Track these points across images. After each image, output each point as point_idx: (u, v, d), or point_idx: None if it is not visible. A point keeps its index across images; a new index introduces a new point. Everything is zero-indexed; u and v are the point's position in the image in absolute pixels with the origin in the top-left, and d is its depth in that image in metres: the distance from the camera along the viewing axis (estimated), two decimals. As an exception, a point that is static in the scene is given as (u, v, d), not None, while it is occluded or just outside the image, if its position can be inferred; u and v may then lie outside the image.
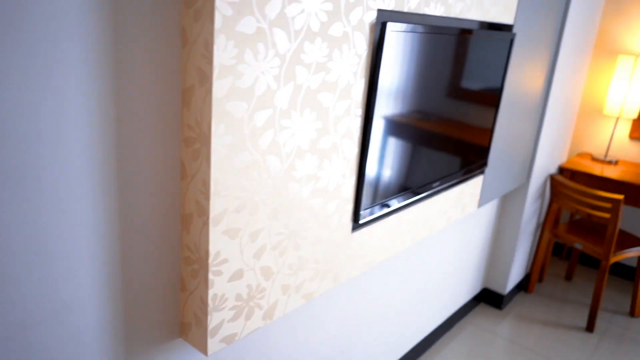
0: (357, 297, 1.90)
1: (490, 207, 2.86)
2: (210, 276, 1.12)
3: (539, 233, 3.30)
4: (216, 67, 0.97)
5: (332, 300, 1.76)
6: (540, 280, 3.41)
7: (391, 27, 1.35)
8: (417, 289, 2.35)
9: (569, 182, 2.90)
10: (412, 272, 2.25)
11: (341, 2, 1.20)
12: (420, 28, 1.46)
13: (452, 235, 2.52)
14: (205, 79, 0.99)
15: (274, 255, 1.27)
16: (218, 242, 1.11)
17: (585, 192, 2.78)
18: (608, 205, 2.72)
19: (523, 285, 3.31)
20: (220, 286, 1.15)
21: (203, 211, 1.08)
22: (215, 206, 1.07)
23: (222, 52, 0.98)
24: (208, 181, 1.05)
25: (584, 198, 2.81)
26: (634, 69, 3.08)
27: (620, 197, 2.66)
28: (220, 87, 0.99)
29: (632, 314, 3.08)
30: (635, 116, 3.14)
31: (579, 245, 2.95)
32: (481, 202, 2.35)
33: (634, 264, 3.54)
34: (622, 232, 3.08)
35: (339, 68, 1.26)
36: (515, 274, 3.15)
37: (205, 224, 1.08)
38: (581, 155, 3.44)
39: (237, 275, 1.18)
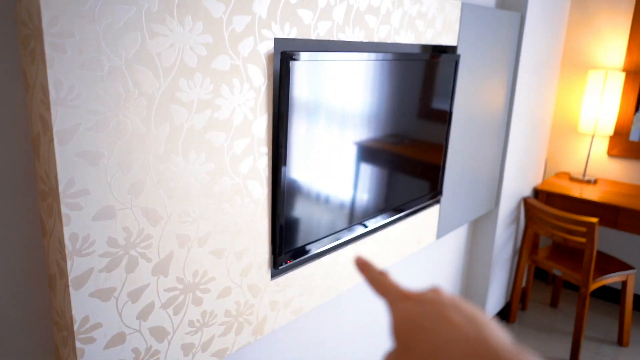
0: (298, 342, 1.75)
1: (459, 234, 2.72)
2: (79, 344, 0.99)
3: (517, 259, 3.15)
4: (55, 115, 0.87)
5: (266, 349, 1.61)
6: (523, 308, 3.23)
7: (294, 56, 1.25)
8: (378, 327, 2.19)
9: (542, 205, 2.76)
10: (369, 309, 2.10)
11: (224, 34, 1.10)
12: (330, 56, 1.36)
13: (416, 266, 2.38)
14: (47, 126, 0.89)
15: (167, 314, 1.14)
16: (85, 306, 0.98)
17: (559, 216, 2.64)
18: (583, 229, 2.57)
19: (504, 315, 3.14)
20: (94, 354, 1.02)
21: (63, 273, 0.96)
22: (75, 267, 0.95)
23: (63, 96, 0.87)
24: (63, 240, 0.93)
25: (558, 222, 2.67)
26: (604, 84, 2.97)
27: (594, 220, 2.51)
28: (62, 135, 0.88)
29: (620, 342, 2.89)
30: (611, 133, 3.01)
31: (557, 271, 2.79)
32: (440, 233, 2.21)
33: (620, 286, 3.36)
34: (603, 255, 2.91)
35: (230, 104, 1.16)
36: (494, 303, 2.98)
37: (67, 286, 0.96)
38: (559, 175, 3.31)
39: (118, 340, 1.05)
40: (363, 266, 0.48)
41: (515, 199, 2.88)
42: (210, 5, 1.06)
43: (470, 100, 2.18)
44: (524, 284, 3.33)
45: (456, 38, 1.95)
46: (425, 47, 1.94)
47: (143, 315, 1.09)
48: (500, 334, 0.37)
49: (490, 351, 0.34)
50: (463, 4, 1.93)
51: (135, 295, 1.07)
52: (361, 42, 1.57)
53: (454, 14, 1.89)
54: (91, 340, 1.01)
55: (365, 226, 1.69)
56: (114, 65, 0.92)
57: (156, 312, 1.12)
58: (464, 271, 2.86)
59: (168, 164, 1.06)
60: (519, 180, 2.86)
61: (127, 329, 1.07)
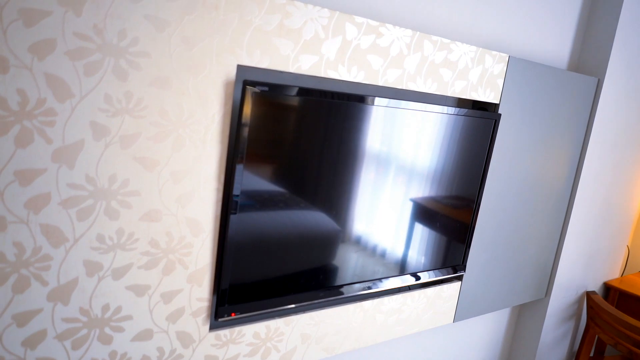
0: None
1: (497, 320, 2.34)
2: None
3: (573, 364, 2.65)
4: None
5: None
6: None
7: (256, 86, 1.12)
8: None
9: (607, 305, 2.30)
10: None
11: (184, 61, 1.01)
12: (303, 92, 1.21)
13: (434, 348, 2.07)
14: None
15: (64, 347, 1.03)
16: (-44, 321, 0.90)
17: (628, 324, 2.17)
18: (654, 343, 2.08)
19: None
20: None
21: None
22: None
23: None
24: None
25: (626, 330, 2.19)
26: None
27: (669, 335, 2.03)
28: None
29: None
30: None
31: (620, 389, 2.29)
32: (459, 316, 1.90)
33: None
34: (685, 382, 2.34)
35: (173, 130, 1.05)
36: (536, 412, 2.51)
37: (-60, 295, 0.89)
38: (643, 273, 2.78)
39: (-5, 364, 0.96)
40: None
41: (575, 291, 2.44)
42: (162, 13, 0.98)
43: (517, 167, 1.89)
44: (581, 395, 2.79)
45: (498, 95, 1.71)
46: (450, 100, 1.72)
47: (30, 343, 0.99)
48: None
49: None
50: (510, 58, 1.69)
51: (23, 320, 0.97)
52: (357, 83, 1.40)
53: (497, 68, 1.66)
54: (-39, 359, 0.92)
55: (340, 290, 1.47)
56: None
57: (54, 344, 1.01)
58: (501, 365, 2.45)
59: (78, 185, 0.97)
60: (581, 270, 2.43)
61: (9, 355, 0.97)
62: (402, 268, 1.60)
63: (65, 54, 0.90)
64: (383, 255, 1.54)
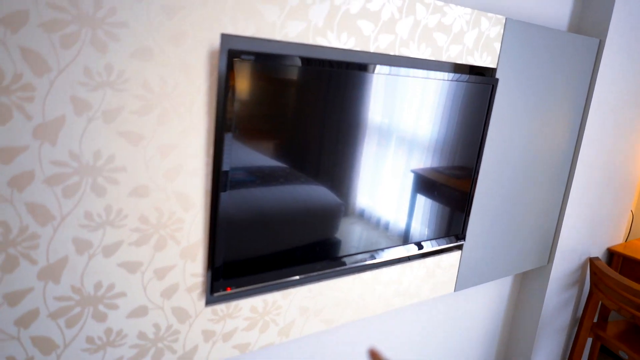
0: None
1: (501, 287, 2.34)
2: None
3: (576, 330, 2.65)
4: None
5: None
6: (581, 389, 2.71)
7: (242, 56, 1.09)
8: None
9: (610, 271, 2.28)
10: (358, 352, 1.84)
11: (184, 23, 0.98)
12: (293, 60, 1.18)
13: (438, 317, 2.07)
14: None
15: (57, 325, 1.02)
16: (-54, 302, 0.90)
17: (630, 288, 2.16)
18: (657, 307, 2.07)
19: (554, 393, 2.65)
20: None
21: None
22: None
23: None
24: None
25: (629, 295, 2.18)
26: None
27: (672, 299, 2.02)
28: None
29: None
30: None
31: (624, 354, 2.29)
32: (460, 285, 1.89)
33: None
34: (689, 344, 2.34)
35: (158, 102, 1.02)
36: (539, 378, 2.53)
37: None
38: (647, 237, 2.75)
39: (-11, 344, 0.95)
40: (373, 355, 0.52)
41: (578, 257, 2.43)
42: (130, -12, 0.94)
43: (516, 134, 1.85)
44: (585, 360, 2.81)
45: (495, 59, 1.66)
46: (445, 65, 1.68)
47: (24, 322, 0.98)
48: None
49: None
50: (507, 20, 1.64)
51: (13, 300, 0.96)
52: (348, 50, 1.37)
53: (494, 31, 1.61)
54: (-46, 339, 0.92)
55: (342, 261, 1.46)
56: (-8, 41, 0.84)
57: (45, 322, 1.01)
58: (502, 332, 2.45)
59: (62, 156, 0.95)
60: (584, 236, 2.41)
61: (1, 334, 0.97)
62: (403, 238, 1.59)
63: (39, 26, 0.87)
64: (384, 226, 1.52)
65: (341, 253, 1.44)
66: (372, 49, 1.33)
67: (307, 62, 1.20)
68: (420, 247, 1.65)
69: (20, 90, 0.88)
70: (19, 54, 0.87)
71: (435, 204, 1.65)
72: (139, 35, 0.97)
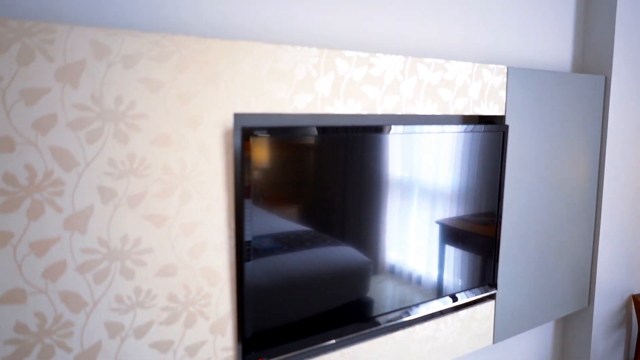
0: None
1: (541, 336, 2.24)
2: None
3: (632, 374, 2.50)
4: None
5: None
6: None
7: (255, 132, 1.15)
8: None
9: (656, 307, 2.18)
10: None
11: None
12: (305, 130, 1.23)
13: (475, 376, 1.98)
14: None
15: (93, 412, 1.03)
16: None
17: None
18: None
19: None
20: None
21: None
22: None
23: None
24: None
25: (680, 330, 2.07)
26: None
27: None
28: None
29: None
30: None
31: (686, 396, 2.14)
32: (498, 336, 1.83)
33: None
34: None
35: (178, 183, 1.08)
36: None
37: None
38: (691, 268, 2.63)
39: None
40: None
41: (620, 295, 2.33)
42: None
43: (535, 176, 1.85)
44: (647, 407, 2.62)
45: (503, 107, 1.69)
46: (454, 118, 1.71)
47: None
48: None
49: None
50: (509, 69, 1.69)
51: (50, 389, 0.98)
52: (356, 115, 1.42)
53: (497, 80, 1.66)
54: None
55: (376, 321, 1.44)
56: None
57: (78, 410, 1.02)
58: (553, 383, 2.33)
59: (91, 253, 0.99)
60: (623, 272, 2.32)
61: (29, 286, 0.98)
62: (435, 292, 1.56)
63: (67, 126, 0.95)
64: (415, 281, 1.51)
65: (374, 313, 1.43)
66: (379, 111, 1.38)
67: (320, 130, 1.25)
68: (454, 299, 1.62)
69: (50, 186, 0.94)
70: (49, 154, 0.94)
71: (464, 253, 1.64)
72: (157, 124, 1.04)
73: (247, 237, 1.17)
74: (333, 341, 1.36)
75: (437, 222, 1.54)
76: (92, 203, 0.99)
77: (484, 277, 1.72)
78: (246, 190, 1.16)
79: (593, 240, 2.16)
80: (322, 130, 1.26)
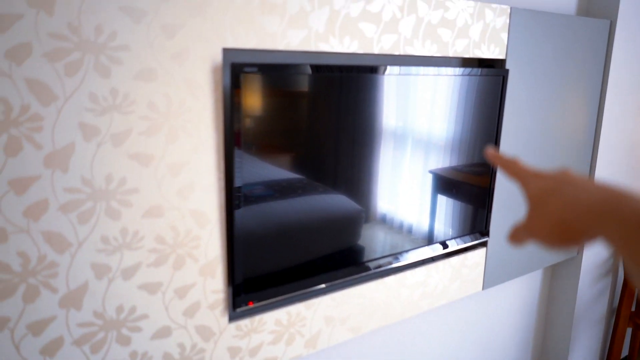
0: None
1: (531, 283, 2.28)
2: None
3: (614, 321, 2.57)
4: None
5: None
6: (625, 382, 2.62)
7: (246, 69, 1.09)
8: (405, 388, 1.88)
9: (643, 256, 2.20)
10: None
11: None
12: (297, 68, 1.17)
13: (466, 318, 2.02)
14: None
15: (83, 352, 1.02)
16: (-29, 336, 0.90)
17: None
18: (697, 291, 1.99)
19: (597, 388, 2.56)
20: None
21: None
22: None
23: None
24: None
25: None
26: None
27: None
28: None
29: None
30: None
31: (666, 342, 2.20)
32: (488, 283, 1.85)
33: None
34: None
35: (165, 121, 1.03)
36: (580, 373, 2.45)
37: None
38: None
39: (17, 375, 0.96)
40: (494, 157, 0.54)
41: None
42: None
43: (532, 122, 1.81)
44: (627, 351, 2.71)
45: (504, 50, 1.63)
46: (453, 61, 1.65)
47: (48, 351, 0.99)
48: (633, 193, 0.40)
49: (627, 199, 0.38)
50: (512, 10, 1.61)
51: (37, 329, 0.97)
52: (351, 54, 1.35)
53: (500, 21, 1.58)
54: (-18, 373, 0.93)
55: (365, 266, 1.44)
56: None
57: (69, 348, 1.01)
58: (537, 329, 2.39)
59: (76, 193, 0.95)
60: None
61: (29, 364, 0.97)
62: (426, 239, 1.56)
63: (43, 56, 0.88)
64: (406, 229, 1.50)
65: (364, 259, 1.42)
66: (376, 50, 1.32)
67: (314, 69, 1.19)
68: (445, 246, 1.62)
69: (28, 122, 0.89)
70: (25, 86, 0.88)
71: (457, 203, 1.62)
72: (141, 57, 0.98)
73: (237, 182, 1.14)
74: (323, 285, 1.35)
75: (430, 172, 1.51)
76: (73, 140, 0.94)
77: (477, 225, 1.71)
78: (235, 130, 1.11)
79: (586, 190, 2.15)
80: (317, 69, 1.20)
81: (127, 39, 0.96)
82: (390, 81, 1.34)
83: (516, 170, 0.51)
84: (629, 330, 2.69)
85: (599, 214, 0.40)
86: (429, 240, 1.57)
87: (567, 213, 0.43)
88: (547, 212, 0.45)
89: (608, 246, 0.39)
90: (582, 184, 0.44)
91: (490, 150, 0.55)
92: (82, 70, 0.92)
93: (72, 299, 0.99)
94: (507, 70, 1.62)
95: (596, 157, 2.10)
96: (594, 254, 2.27)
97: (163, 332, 1.12)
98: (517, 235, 0.49)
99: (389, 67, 1.33)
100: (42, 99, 0.90)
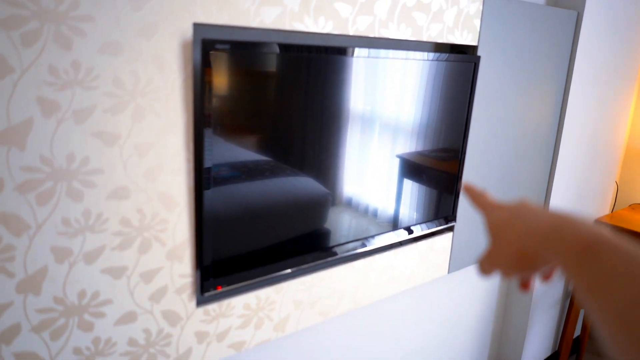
0: (255, 382, 1.52)
1: (492, 269, 2.33)
2: None
3: (568, 303, 2.67)
4: None
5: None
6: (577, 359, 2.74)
7: (217, 46, 1.04)
8: (370, 370, 1.90)
9: (599, 242, 2.29)
10: (337, 351, 1.83)
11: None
12: (270, 47, 1.13)
13: (431, 300, 2.06)
14: None
15: (42, 339, 0.98)
16: None
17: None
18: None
19: (551, 367, 2.68)
20: None
21: None
22: None
23: None
24: None
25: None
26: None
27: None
28: None
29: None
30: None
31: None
32: (453, 267, 1.88)
33: None
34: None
35: (131, 99, 0.97)
36: (537, 350, 2.54)
37: None
38: (633, 207, 2.78)
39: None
40: (467, 189, 0.57)
41: (567, 231, 2.43)
42: (93, -21, 0.89)
43: (500, 111, 1.83)
44: (578, 332, 2.84)
45: (476, 37, 1.63)
46: (426, 45, 1.65)
47: (5, 338, 0.94)
48: (581, 218, 0.43)
49: (571, 224, 0.41)
50: (486, -4, 1.61)
51: (-8, 315, 0.91)
52: (326, 34, 1.32)
53: (473, 7, 1.58)
54: None
55: (334, 251, 1.43)
56: (-54, 43, 0.78)
57: (28, 335, 0.96)
58: (497, 311, 2.46)
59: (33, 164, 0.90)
60: (572, 209, 2.41)
61: (-17, 352, 0.92)
62: (393, 224, 1.56)
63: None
64: (373, 213, 1.49)
65: (332, 243, 1.42)
66: (351, 32, 1.29)
67: (285, 48, 1.16)
68: (410, 231, 1.63)
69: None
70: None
71: (424, 188, 1.63)
72: (105, 30, 0.92)
73: (207, 163, 1.10)
74: (292, 269, 1.34)
75: (398, 156, 1.51)
76: (31, 115, 0.88)
77: (443, 210, 1.73)
78: (205, 110, 1.07)
79: (548, 178, 2.21)
80: (289, 48, 1.16)
81: (91, 9, 0.90)
82: (362, 64, 1.32)
83: (481, 202, 0.55)
84: (582, 312, 2.81)
85: (546, 239, 0.43)
86: (395, 225, 1.58)
87: (521, 241, 0.45)
88: (504, 243, 0.48)
89: (558, 269, 0.42)
90: (535, 213, 0.46)
91: (465, 183, 0.59)
92: (40, 41, 0.86)
93: (31, 284, 0.94)
94: (479, 57, 1.63)
95: (559, 146, 2.16)
96: (553, 239, 2.34)
97: (128, 318, 1.09)
98: (483, 267, 0.51)
99: (361, 50, 1.30)
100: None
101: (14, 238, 0.91)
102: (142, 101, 0.99)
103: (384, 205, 1.52)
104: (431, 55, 1.47)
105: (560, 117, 2.14)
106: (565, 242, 0.41)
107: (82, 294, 1.01)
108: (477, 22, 1.61)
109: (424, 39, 1.47)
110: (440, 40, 1.52)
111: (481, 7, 1.61)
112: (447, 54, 1.52)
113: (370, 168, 1.44)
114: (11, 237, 0.90)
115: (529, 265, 0.46)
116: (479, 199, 0.56)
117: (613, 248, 0.38)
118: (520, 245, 0.46)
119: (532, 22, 1.83)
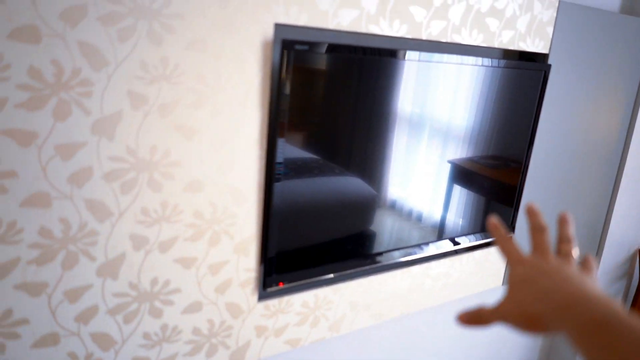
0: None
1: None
2: None
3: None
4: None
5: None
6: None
7: (297, 46, 1.06)
8: (416, 376, 1.89)
9: (662, 262, 2.19)
10: (390, 353, 1.81)
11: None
12: (347, 49, 1.14)
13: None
14: (-28, 97, 0.81)
15: (116, 321, 1.02)
16: (8, 299, 0.90)
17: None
18: None
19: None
20: (19, 352, 0.93)
21: (-12, 259, 0.88)
22: (-3, 254, 0.87)
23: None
24: (-15, 223, 0.85)
25: (682, 287, 2.09)
26: None
27: None
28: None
29: None
30: None
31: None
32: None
33: None
34: None
35: (214, 96, 1.00)
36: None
37: (-8, 274, 0.88)
38: (699, 228, 2.63)
39: (51, 340, 0.96)
40: (494, 228, 0.57)
41: (627, 249, 2.34)
42: (186, -22, 0.92)
43: (567, 122, 1.78)
44: (632, 355, 2.72)
45: (548, 45, 1.59)
46: (496, 52, 1.61)
47: (84, 318, 0.98)
48: (594, 286, 0.47)
49: (586, 300, 0.43)
50: (561, 3, 1.56)
51: (74, 295, 0.96)
52: (399, 38, 1.32)
53: (547, 14, 1.54)
54: (14, 335, 0.92)
55: (393, 255, 1.43)
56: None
57: (103, 318, 1.00)
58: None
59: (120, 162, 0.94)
60: (634, 227, 2.32)
61: (63, 331, 0.97)
62: (451, 233, 1.54)
63: (97, 20, 0.86)
64: (423, 219, 1.48)
65: (379, 247, 1.41)
66: (424, 36, 1.28)
67: (362, 51, 1.16)
68: (467, 240, 1.60)
69: (79, 86, 0.87)
70: (77, 49, 0.85)
71: (480, 198, 1.60)
72: (193, 27, 0.95)
73: (279, 158, 1.12)
74: (348, 272, 1.34)
75: (449, 161, 1.49)
76: (121, 108, 0.92)
77: (502, 220, 1.70)
78: (281, 109, 1.08)
79: (612, 193, 2.13)
80: (366, 51, 1.17)
81: (182, 7, 0.93)
82: (430, 69, 1.31)
83: (507, 249, 0.55)
84: None
85: (560, 311, 0.44)
86: (453, 233, 1.56)
87: (536, 304, 0.47)
88: (519, 299, 0.49)
89: (568, 340, 0.43)
90: (554, 279, 0.48)
91: (492, 220, 0.58)
92: (134, 37, 0.90)
93: (110, 269, 0.98)
94: (550, 65, 1.59)
95: (625, 162, 2.07)
96: (613, 255, 2.26)
97: (194, 307, 1.12)
98: (482, 317, 0.52)
99: (432, 55, 1.29)
100: (94, 64, 0.87)
101: (98, 224, 0.95)
102: (221, 97, 1.02)
103: (444, 214, 1.50)
104: (502, 62, 1.44)
105: (628, 131, 2.06)
106: (579, 317, 0.42)
107: (154, 282, 1.05)
108: (550, 30, 1.57)
109: (495, 45, 1.44)
110: (511, 47, 1.49)
111: (555, 14, 1.56)
112: (518, 62, 1.49)
113: (425, 172, 1.43)
114: (96, 222, 0.94)
115: (538, 327, 0.47)
116: (504, 244, 0.56)
117: (625, 325, 0.40)
118: (534, 309, 0.47)
119: (605, 30, 1.76)
